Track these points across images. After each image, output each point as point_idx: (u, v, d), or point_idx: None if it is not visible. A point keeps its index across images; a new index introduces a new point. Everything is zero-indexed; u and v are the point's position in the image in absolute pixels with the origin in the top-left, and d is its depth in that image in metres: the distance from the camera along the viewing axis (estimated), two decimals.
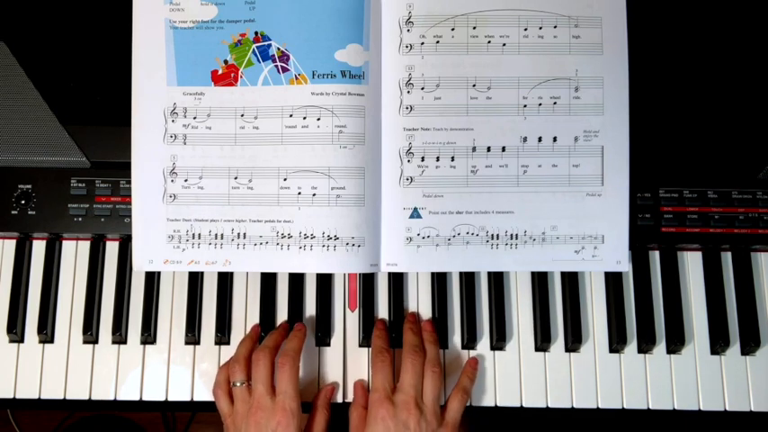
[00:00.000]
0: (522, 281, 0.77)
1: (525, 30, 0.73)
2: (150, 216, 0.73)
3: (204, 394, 0.74)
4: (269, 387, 0.68)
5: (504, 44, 0.73)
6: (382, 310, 0.76)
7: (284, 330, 0.74)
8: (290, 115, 0.73)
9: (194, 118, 0.73)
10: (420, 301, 0.77)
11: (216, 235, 0.73)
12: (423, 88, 0.73)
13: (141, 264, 0.73)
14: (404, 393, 0.68)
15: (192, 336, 0.75)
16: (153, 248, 0.73)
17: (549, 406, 0.74)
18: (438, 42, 0.73)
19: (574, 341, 0.75)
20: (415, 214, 0.73)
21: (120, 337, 0.75)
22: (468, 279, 0.76)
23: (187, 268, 0.73)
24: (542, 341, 0.75)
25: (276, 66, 0.73)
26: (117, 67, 0.74)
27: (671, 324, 0.75)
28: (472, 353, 0.75)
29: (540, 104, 0.73)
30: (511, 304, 0.77)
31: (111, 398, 0.74)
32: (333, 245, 0.72)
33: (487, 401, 0.74)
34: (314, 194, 0.72)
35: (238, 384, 0.69)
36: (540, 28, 0.73)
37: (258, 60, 0.73)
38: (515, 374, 0.75)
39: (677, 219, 0.76)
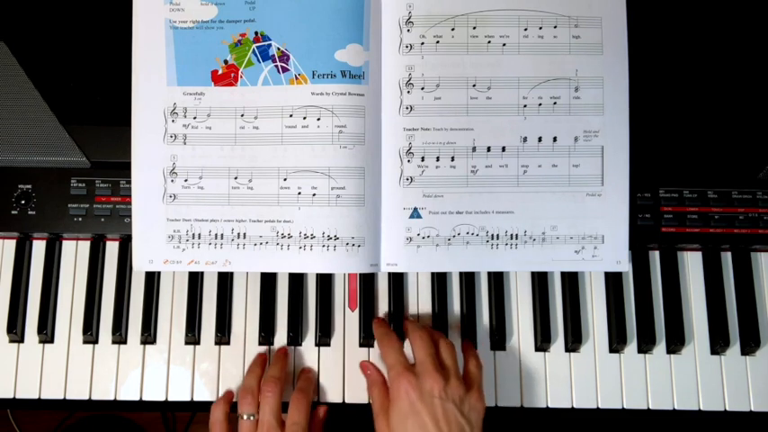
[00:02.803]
0: (522, 281, 0.77)
1: (525, 30, 0.73)
2: (150, 216, 0.73)
3: (204, 394, 0.74)
4: (279, 418, 0.68)
5: (504, 44, 0.73)
6: (382, 310, 0.76)
7: (285, 356, 0.74)
8: (290, 115, 0.73)
9: (194, 118, 0.73)
10: (420, 302, 0.77)
11: (216, 235, 0.73)
12: (423, 88, 0.73)
13: (141, 264, 0.73)
14: (422, 363, 0.67)
15: (192, 336, 0.75)
16: (153, 248, 0.73)
17: (549, 406, 0.74)
18: (438, 42, 0.73)
19: (574, 341, 0.75)
20: (415, 214, 0.73)
21: (120, 337, 0.75)
22: (468, 279, 0.76)
23: (187, 268, 0.73)
24: (542, 341, 0.75)
25: (276, 66, 0.73)
26: (117, 67, 0.74)
27: (671, 324, 0.75)
28: None
29: (540, 104, 0.73)
30: (511, 304, 0.77)
31: (111, 398, 0.74)
32: (333, 245, 0.72)
33: (487, 401, 0.74)
34: (314, 194, 0.72)
35: (245, 417, 0.69)
36: (540, 28, 0.73)
37: (258, 60, 0.73)
38: (515, 374, 0.75)
39: (677, 219, 0.76)
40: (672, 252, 0.77)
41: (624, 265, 0.74)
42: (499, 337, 0.75)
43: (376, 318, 0.75)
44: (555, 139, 0.73)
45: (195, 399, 0.74)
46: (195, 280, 0.76)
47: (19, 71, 0.75)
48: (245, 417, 0.69)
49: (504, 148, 0.73)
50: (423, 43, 0.73)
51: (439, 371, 0.66)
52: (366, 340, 0.75)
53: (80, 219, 0.74)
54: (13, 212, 0.74)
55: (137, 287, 0.76)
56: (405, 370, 0.67)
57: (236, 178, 0.73)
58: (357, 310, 0.76)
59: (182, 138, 0.73)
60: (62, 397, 0.74)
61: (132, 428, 1.09)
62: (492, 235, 0.74)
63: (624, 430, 0.93)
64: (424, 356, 0.67)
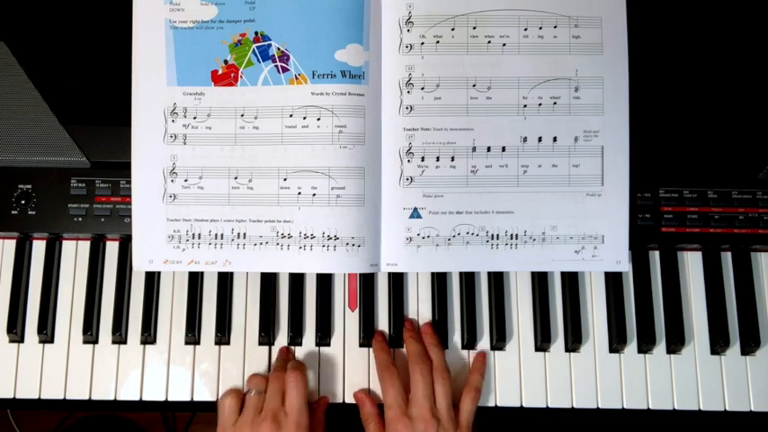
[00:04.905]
0: (522, 281, 0.77)
1: (525, 30, 0.73)
2: (150, 216, 0.73)
3: (204, 394, 0.74)
4: (282, 402, 0.69)
5: (504, 44, 0.73)
6: (382, 310, 0.76)
7: (288, 352, 0.75)
8: (290, 115, 0.73)
9: (194, 118, 0.73)
10: (420, 302, 0.77)
11: (216, 235, 0.73)
12: (423, 88, 0.73)
13: (141, 264, 0.73)
14: (418, 406, 0.69)
15: (192, 336, 0.75)
16: (153, 248, 0.73)
17: (549, 406, 0.74)
18: (438, 42, 0.73)
19: (574, 341, 0.75)
20: (415, 214, 0.73)
21: (120, 337, 0.75)
22: (468, 279, 0.76)
23: (187, 268, 0.73)
24: (542, 341, 0.75)
25: (276, 66, 0.73)
26: (117, 66, 0.74)
27: (671, 324, 0.75)
28: (472, 353, 0.75)
29: (540, 104, 0.73)
30: (511, 304, 0.77)
31: (111, 398, 0.74)
32: (333, 245, 0.72)
33: (487, 401, 0.74)
34: (314, 194, 0.72)
35: (253, 393, 0.69)
36: (540, 28, 0.73)
37: (258, 60, 0.73)
38: (515, 374, 0.75)
39: (677, 219, 0.76)
40: (672, 252, 0.77)
41: (624, 265, 0.74)
42: (499, 337, 0.75)
43: (377, 334, 0.75)
44: (555, 139, 0.73)
45: (195, 399, 0.74)
46: (195, 280, 0.76)
47: (19, 71, 0.75)
48: (252, 393, 0.70)
49: (504, 148, 0.73)
50: (423, 43, 0.73)
51: (434, 414, 0.68)
52: (366, 340, 0.75)
53: (80, 219, 0.74)
54: (13, 212, 0.74)
55: (137, 287, 0.76)
56: (402, 415, 0.69)
57: (236, 178, 0.73)
58: (357, 310, 0.76)
59: (182, 138, 0.73)
60: (62, 397, 0.74)
61: (132, 428, 1.09)
62: (492, 235, 0.74)
63: (624, 430, 0.93)
64: (420, 398, 0.69)
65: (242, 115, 0.73)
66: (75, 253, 0.77)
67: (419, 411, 0.68)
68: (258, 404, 0.69)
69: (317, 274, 0.76)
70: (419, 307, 0.77)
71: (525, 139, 0.73)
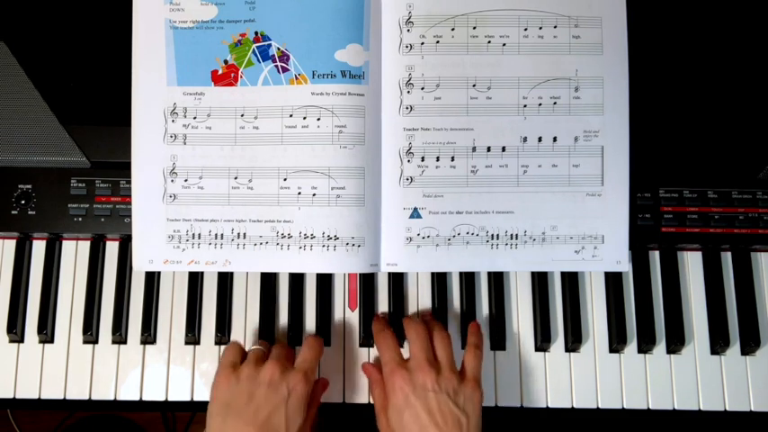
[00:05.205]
0: (522, 281, 0.77)
1: (525, 30, 0.73)
2: (150, 216, 0.73)
3: (204, 394, 0.74)
4: (286, 359, 0.69)
5: (504, 44, 0.73)
6: (382, 311, 0.76)
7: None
8: (290, 115, 0.73)
9: (194, 118, 0.73)
10: (420, 302, 0.77)
11: (216, 235, 0.73)
12: (423, 88, 0.73)
13: (141, 264, 0.73)
14: (415, 358, 0.68)
15: (192, 336, 0.75)
16: (153, 248, 0.73)
17: (549, 406, 0.74)
18: (438, 42, 0.73)
19: (574, 341, 0.75)
20: (415, 214, 0.73)
21: (120, 337, 0.75)
22: (468, 279, 0.76)
23: (187, 268, 0.73)
24: (542, 341, 0.75)
25: (276, 66, 0.73)
26: (117, 67, 0.74)
27: (671, 324, 0.75)
28: None
29: (540, 104, 0.73)
30: (511, 304, 0.77)
31: (111, 398, 0.74)
32: (333, 245, 0.72)
33: (487, 401, 0.74)
34: (314, 194, 0.72)
35: (257, 348, 0.71)
36: (540, 28, 0.73)
37: (258, 60, 0.73)
38: (515, 374, 0.75)
39: (677, 219, 0.76)
40: (672, 252, 0.77)
41: (624, 265, 0.74)
42: (499, 337, 0.75)
43: (375, 315, 0.76)
44: (555, 139, 0.73)
45: (195, 399, 0.74)
46: (195, 280, 0.76)
47: (19, 71, 0.75)
48: (256, 347, 0.71)
49: (504, 148, 0.73)
50: (423, 43, 0.73)
51: (431, 364, 0.67)
52: (366, 340, 0.75)
53: (80, 219, 0.74)
54: (13, 212, 0.74)
55: (137, 287, 0.76)
56: (397, 366, 0.68)
57: (236, 178, 0.73)
58: (357, 310, 0.76)
59: (182, 138, 0.73)
60: (62, 397, 0.74)
61: (132, 428, 1.09)
62: (492, 235, 0.74)
63: (624, 430, 0.93)
64: (417, 350, 0.68)
65: (242, 115, 0.73)
66: (75, 253, 0.77)
67: (416, 362, 0.67)
68: (258, 355, 0.69)
69: (317, 274, 0.76)
70: (419, 307, 0.77)
71: (525, 139, 0.73)
